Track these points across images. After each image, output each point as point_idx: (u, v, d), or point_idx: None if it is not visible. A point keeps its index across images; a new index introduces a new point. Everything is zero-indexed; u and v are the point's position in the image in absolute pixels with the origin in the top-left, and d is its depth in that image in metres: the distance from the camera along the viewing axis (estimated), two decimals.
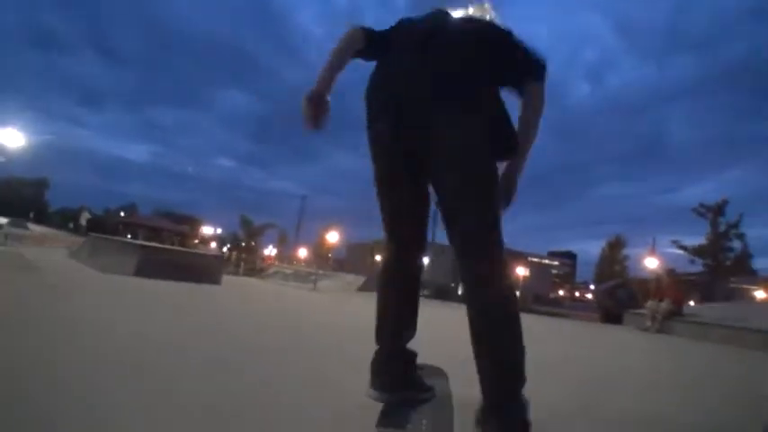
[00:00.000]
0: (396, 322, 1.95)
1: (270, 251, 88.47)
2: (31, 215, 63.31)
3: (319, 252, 68.89)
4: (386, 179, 1.96)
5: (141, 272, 9.23)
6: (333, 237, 59.37)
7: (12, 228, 31.70)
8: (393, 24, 2.13)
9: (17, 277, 6.37)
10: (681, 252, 35.67)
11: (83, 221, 36.15)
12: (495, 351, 1.56)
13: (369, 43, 2.04)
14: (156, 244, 13.11)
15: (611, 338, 8.54)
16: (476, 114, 1.74)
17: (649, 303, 11.07)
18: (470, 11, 2.13)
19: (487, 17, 2.10)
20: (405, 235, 2.00)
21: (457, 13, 2.12)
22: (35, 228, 41.16)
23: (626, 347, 7.18)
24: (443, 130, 1.71)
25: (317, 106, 1.89)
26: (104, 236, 15.99)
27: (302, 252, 79.37)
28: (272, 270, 20.19)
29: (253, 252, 48.00)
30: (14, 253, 11.33)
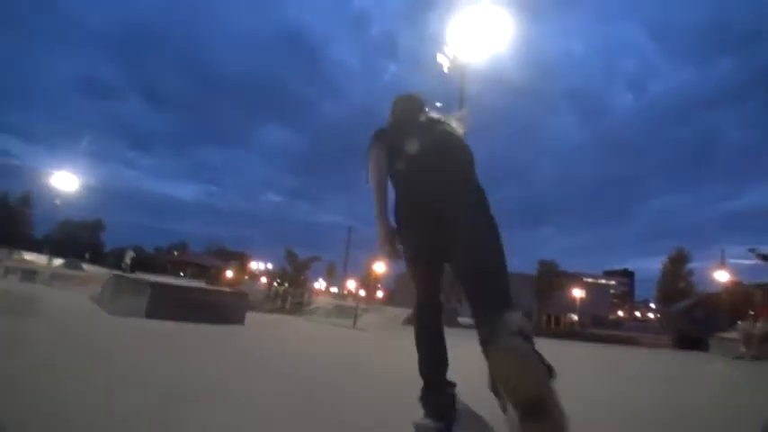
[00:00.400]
0: (439, 358, 2.51)
1: (320, 284, 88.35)
2: (87, 256, 64.71)
3: (367, 283, 67.65)
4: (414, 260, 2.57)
5: (153, 313, 8.05)
6: (379, 267, 58.04)
7: (66, 269, 31.94)
8: (396, 124, 2.82)
9: None
10: (759, 262, 32.35)
11: (127, 260, 36.03)
12: None
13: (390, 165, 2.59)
14: (169, 281, 11.98)
15: (700, 371, 6.88)
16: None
17: (741, 324, 9.29)
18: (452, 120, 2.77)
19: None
20: (431, 290, 2.60)
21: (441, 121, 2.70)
22: (89, 268, 41.84)
23: (728, 384, 5.53)
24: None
25: (393, 242, 2.58)
26: (124, 274, 15.02)
27: (351, 284, 78.29)
28: (313, 305, 18.73)
29: (300, 286, 47.08)
30: (23, 295, 10.40)
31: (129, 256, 35.53)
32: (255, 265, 75.03)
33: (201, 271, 52.12)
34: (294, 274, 50.47)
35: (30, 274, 24.74)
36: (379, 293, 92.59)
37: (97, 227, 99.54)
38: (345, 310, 17.57)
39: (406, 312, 14.73)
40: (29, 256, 46.99)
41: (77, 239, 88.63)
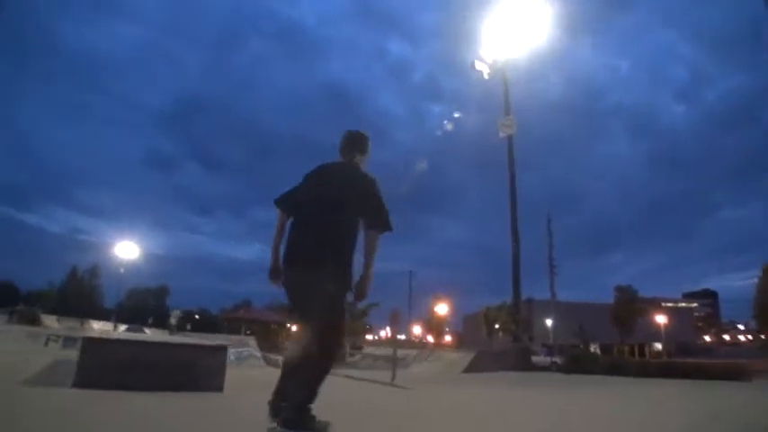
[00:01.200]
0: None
1: (386, 332, 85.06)
2: (150, 320, 64.95)
3: (431, 326, 63.98)
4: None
5: (82, 380, 5.51)
6: (442, 309, 54.71)
7: (129, 333, 31.36)
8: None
9: None
10: None
11: (172, 320, 35.09)
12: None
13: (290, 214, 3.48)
14: (114, 336, 9.45)
15: None
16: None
17: None
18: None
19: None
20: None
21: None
22: (149, 332, 41.51)
23: None
24: None
25: (278, 277, 3.31)
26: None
27: (416, 329, 74.54)
28: (357, 356, 15.72)
29: (356, 335, 44.55)
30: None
31: (174, 316, 34.95)
32: None
33: (262, 327, 50.18)
34: (351, 323, 47.92)
35: (72, 340, 24.24)
36: (447, 337, 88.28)
37: (163, 293, 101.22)
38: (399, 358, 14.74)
39: (468, 358, 11.65)
40: (96, 325, 47.25)
41: (145, 306, 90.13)
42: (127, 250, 51.53)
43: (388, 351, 13.59)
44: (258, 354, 27.97)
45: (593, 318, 56.72)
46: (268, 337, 45.81)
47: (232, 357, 27.62)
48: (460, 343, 75.85)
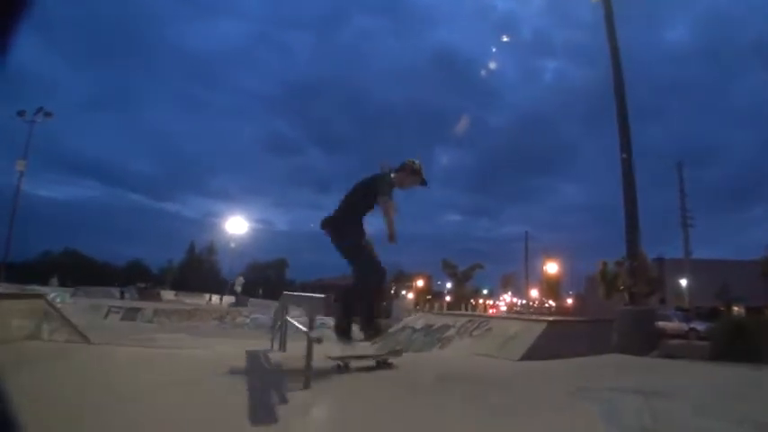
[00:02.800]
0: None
1: (507, 297, 79.84)
2: (260, 291, 65.62)
3: (547, 289, 57.56)
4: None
5: None
6: (552, 268, 48.37)
7: (232, 306, 30.32)
8: None
9: None
10: None
11: (237, 288, 33.27)
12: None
13: None
14: None
15: None
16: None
17: None
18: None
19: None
20: None
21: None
22: (255, 301, 41.18)
23: None
24: None
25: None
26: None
27: (534, 293, 68.26)
28: (401, 324, 11.03)
29: (462, 297, 40.41)
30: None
31: (239, 282, 33.59)
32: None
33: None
34: (456, 287, 43.59)
35: (132, 311, 23.16)
36: (569, 301, 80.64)
37: (282, 265, 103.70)
38: (436, 330, 9.97)
39: (536, 331, 6.54)
40: (215, 298, 47.76)
41: (266, 279, 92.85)
42: (237, 225, 52.03)
43: (441, 319, 8.60)
44: (331, 322, 24.70)
45: (737, 277, 47.05)
46: None
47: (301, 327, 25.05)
48: (583, 307, 68.57)
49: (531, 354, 6.04)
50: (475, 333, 7.48)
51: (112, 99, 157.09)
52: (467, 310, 35.23)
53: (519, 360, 5.96)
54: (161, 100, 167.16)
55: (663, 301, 45.49)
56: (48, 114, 31.14)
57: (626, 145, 9.50)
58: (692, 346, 14.50)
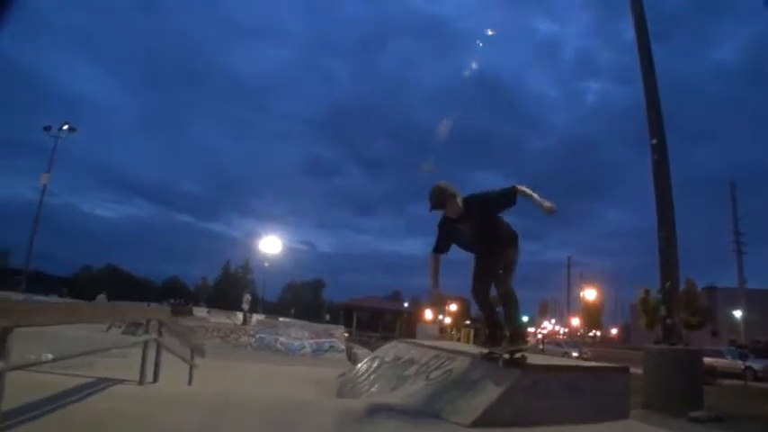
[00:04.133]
0: None
1: (548, 325, 75.36)
2: (292, 311, 64.74)
3: (586, 316, 53.39)
4: None
5: None
6: (590, 294, 44.50)
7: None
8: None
9: None
10: None
11: (245, 306, 31.95)
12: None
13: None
14: None
15: None
16: None
17: None
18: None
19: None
20: None
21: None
22: (284, 320, 40.22)
23: None
24: None
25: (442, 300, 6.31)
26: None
27: (575, 321, 64.12)
28: (376, 353, 8.82)
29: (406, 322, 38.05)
30: None
31: (246, 300, 32.24)
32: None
33: (372, 315, 45.37)
34: None
35: (134, 326, 22.00)
36: (613, 330, 75.40)
37: (318, 286, 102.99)
38: (400, 366, 7.70)
39: (507, 380, 4.34)
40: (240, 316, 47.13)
41: (301, 298, 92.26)
42: (272, 245, 51.61)
43: (411, 351, 6.36)
44: (341, 346, 22.66)
45: None
46: (375, 326, 40.97)
47: (309, 350, 23.01)
48: (627, 337, 63.75)
49: (492, 416, 3.79)
50: (433, 375, 5.22)
51: (164, 123, 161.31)
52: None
53: (470, 426, 3.72)
54: (209, 123, 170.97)
55: (715, 334, 41.11)
56: (72, 129, 30.70)
57: (656, 128, 7.17)
58: (751, 392, 11.66)
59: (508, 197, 4.46)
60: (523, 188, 4.42)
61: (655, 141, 7.07)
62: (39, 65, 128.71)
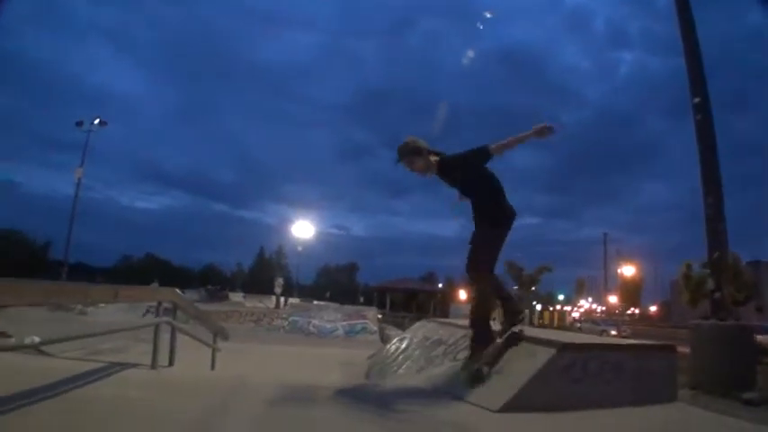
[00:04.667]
0: None
1: (585, 303, 73.93)
2: (328, 294, 65.57)
3: (625, 294, 51.96)
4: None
5: None
6: (628, 270, 43.18)
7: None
8: None
9: None
10: None
11: (277, 289, 32.19)
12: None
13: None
14: None
15: None
16: None
17: None
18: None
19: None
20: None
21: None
22: (319, 303, 40.61)
23: None
24: None
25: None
26: None
27: (613, 299, 62.69)
28: (406, 332, 8.51)
29: (522, 303, 36.69)
30: None
31: (278, 284, 32.64)
32: None
33: (406, 296, 45.29)
34: (520, 291, 39.73)
35: (168, 311, 22.39)
36: (653, 307, 73.47)
37: (352, 269, 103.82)
38: (429, 346, 7.34)
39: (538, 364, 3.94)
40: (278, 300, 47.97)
41: (336, 282, 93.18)
42: (304, 230, 52.18)
43: (440, 331, 6.05)
44: (374, 328, 22.70)
45: None
46: (409, 307, 40.85)
47: (342, 332, 23.08)
48: (668, 314, 62.07)
49: (523, 400, 3.46)
50: (460, 356, 4.92)
51: (197, 114, 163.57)
52: (531, 317, 31.60)
53: (498, 411, 3.41)
54: (240, 113, 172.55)
55: (760, 309, 39.62)
56: (103, 123, 31.23)
57: (698, 85, 6.61)
58: None
59: (482, 154, 3.94)
60: (497, 143, 3.94)
61: (697, 100, 6.52)
62: (75, 64, 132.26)
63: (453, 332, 5.96)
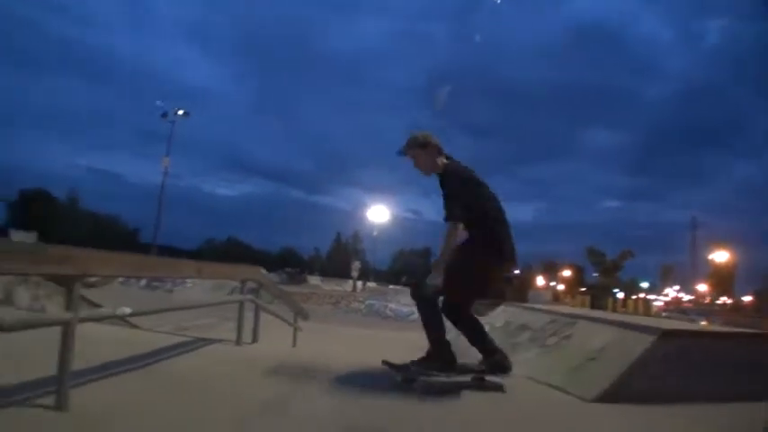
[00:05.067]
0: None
1: (671, 292, 70.00)
2: (403, 279, 66.56)
3: (716, 282, 48.53)
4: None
5: None
6: (721, 256, 40.04)
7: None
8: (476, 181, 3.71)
9: None
10: None
11: (354, 273, 32.53)
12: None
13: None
14: None
15: None
16: None
17: None
18: None
19: None
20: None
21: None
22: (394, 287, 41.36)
23: None
24: None
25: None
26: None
27: (702, 287, 58.96)
28: (484, 319, 8.31)
29: (605, 289, 34.85)
30: None
31: (355, 267, 32.98)
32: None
33: None
34: (602, 279, 38.02)
35: (253, 291, 23.61)
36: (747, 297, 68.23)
37: (427, 254, 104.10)
38: (513, 332, 6.90)
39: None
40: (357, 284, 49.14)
41: (409, 265, 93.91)
42: (379, 214, 53.18)
43: (524, 316, 5.94)
44: None
45: None
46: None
47: (416, 315, 23.13)
48: (764, 305, 57.36)
49: (619, 390, 3.21)
50: (549, 341, 4.68)
51: (274, 104, 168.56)
52: (614, 305, 30.22)
53: (593, 401, 3.17)
54: (316, 101, 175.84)
55: None
56: (186, 114, 32.87)
57: None
58: None
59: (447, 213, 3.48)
60: (448, 233, 3.44)
61: None
62: (162, 61, 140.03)
63: (539, 317, 5.73)
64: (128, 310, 2.63)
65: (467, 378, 3.46)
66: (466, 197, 3.50)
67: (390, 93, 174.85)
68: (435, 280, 3.36)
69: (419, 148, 3.72)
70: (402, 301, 22.86)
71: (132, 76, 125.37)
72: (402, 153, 3.80)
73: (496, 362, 3.49)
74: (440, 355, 3.49)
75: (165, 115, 32.33)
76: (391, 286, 44.93)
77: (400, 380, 3.37)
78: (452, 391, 3.29)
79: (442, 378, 3.40)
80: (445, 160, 3.74)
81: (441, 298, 3.52)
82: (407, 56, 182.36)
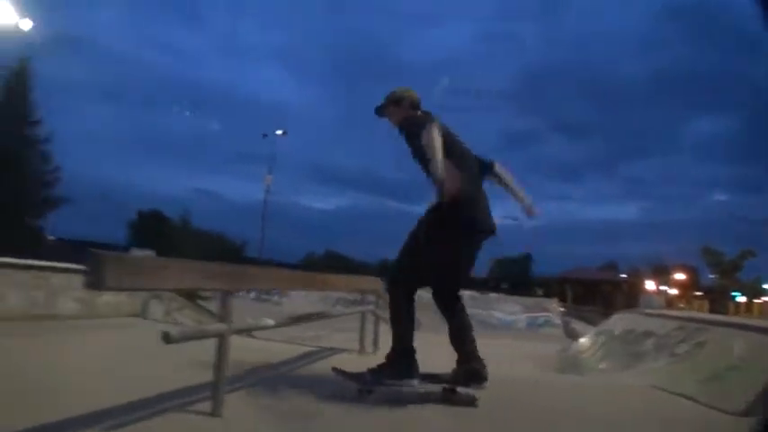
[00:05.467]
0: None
1: None
2: (504, 286, 65.64)
3: None
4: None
5: None
6: None
7: None
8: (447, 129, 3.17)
9: None
10: None
11: None
12: None
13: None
14: None
15: None
16: None
17: None
18: None
19: None
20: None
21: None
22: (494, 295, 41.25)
23: None
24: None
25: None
26: None
27: None
28: (600, 327, 7.95)
29: (724, 294, 31.65)
30: None
31: None
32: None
33: (586, 288, 42.31)
34: (719, 281, 34.75)
35: (354, 303, 24.05)
36: None
37: (526, 260, 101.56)
38: (634, 340, 6.30)
39: None
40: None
41: (511, 274, 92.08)
42: None
43: (646, 323, 5.87)
44: (557, 321, 21.86)
45: None
46: (591, 298, 38.01)
47: (523, 324, 22.49)
48: None
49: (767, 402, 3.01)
50: (678, 349, 4.43)
51: (361, 117, 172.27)
52: (736, 309, 27.56)
53: (738, 414, 2.99)
54: None
55: None
56: (284, 134, 35.21)
57: None
58: None
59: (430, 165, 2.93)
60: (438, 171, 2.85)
61: None
62: (253, 84, 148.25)
63: (664, 323, 5.47)
64: (271, 322, 2.87)
65: (436, 388, 3.01)
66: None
67: (479, 96, 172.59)
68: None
69: (393, 106, 3.37)
70: (506, 309, 22.44)
71: (229, 102, 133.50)
72: (379, 113, 3.45)
73: (473, 370, 3.00)
74: (402, 359, 3.05)
75: (265, 135, 34.32)
76: (492, 294, 44.29)
77: (357, 390, 2.95)
78: (418, 402, 2.92)
79: (405, 388, 2.97)
80: (422, 115, 3.28)
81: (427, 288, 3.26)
82: (493, 59, 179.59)
